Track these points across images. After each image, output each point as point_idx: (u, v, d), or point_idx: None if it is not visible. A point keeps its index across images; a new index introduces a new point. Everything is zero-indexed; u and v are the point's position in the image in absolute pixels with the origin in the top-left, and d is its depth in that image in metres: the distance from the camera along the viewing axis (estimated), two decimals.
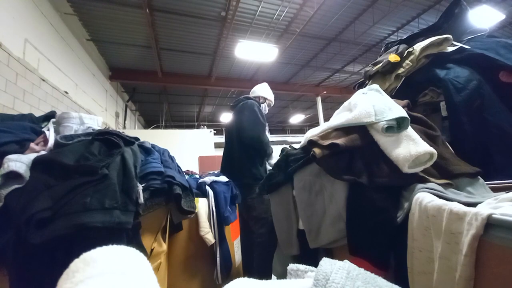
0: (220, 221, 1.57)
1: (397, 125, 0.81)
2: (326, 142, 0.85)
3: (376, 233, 0.70)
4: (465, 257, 0.44)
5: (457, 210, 0.48)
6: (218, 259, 1.52)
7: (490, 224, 0.43)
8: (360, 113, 0.85)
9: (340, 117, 0.94)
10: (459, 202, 0.55)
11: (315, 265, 0.30)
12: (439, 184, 0.69)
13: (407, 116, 0.81)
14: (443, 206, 0.52)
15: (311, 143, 0.91)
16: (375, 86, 1.00)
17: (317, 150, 0.85)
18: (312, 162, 0.91)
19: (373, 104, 0.86)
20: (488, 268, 0.43)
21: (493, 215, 0.43)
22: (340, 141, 0.83)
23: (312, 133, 0.97)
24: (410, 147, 0.74)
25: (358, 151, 0.83)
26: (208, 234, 1.49)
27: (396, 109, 0.83)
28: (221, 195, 1.62)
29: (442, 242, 0.49)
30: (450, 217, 0.49)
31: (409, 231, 0.61)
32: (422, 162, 0.74)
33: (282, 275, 1.33)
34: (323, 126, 0.97)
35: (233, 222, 1.72)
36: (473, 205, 0.54)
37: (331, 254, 0.91)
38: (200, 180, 1.71)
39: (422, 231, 0.56)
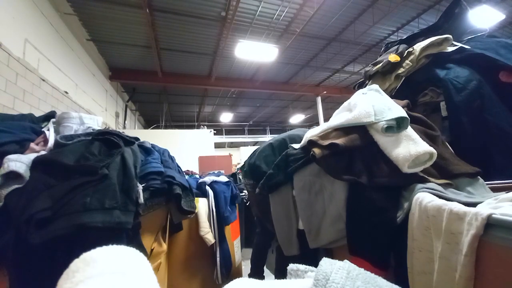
0: (220, 221, 1.57)
1: (397, 125, 0.81)
2: (326, 142, 0.85)
3: (376, 233, 0.70)
4: (465, 257, 0.44)
5: (457, 210, 0.48)
6: (218, 259, 1.52)
7: (490, 224, 0.43)
8: (359, 113, 0.85)
9: (340, 117, 0.94)
10: (459, 202, 0.55)
11: (315, 265, 0.30)
12: (439, 184, 0.69)
13: (407, 116, 0.81)
14: (443, 206, 0.52)
15: (311, 143, 0.91)
16: (375, 86, 1.00)
17: (317, 150, 0.85)
18: (312, 162, 0.91)
19: (372, 104, 0.86)
20: (488, 268, 0.43)
21: (493, 215, 0.43)
22: (339, 141, 0.83)
23: (312, 133, 0.97)
24: (410, 147, 0.73)
25: (358, 151, 0.83)
26: (208, 234, 1.49)
27: (395, 109, 0.83)
28: (221, 195, 1.62)
29: (442, 242, 0.49)
30: (450, 217, 0.49)
31: (409, 231, 0.61)
32: (422, 162, 0.74)
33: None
34: (323, 126, 0.97)
35: (233, 222, 1.72)
36: (473, 205, 0.54)
37: (331, 254, 0.91)
38: (200, 180, 1.71)
39: (422, 231, 0.56)
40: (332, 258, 0.31)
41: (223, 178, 1.78)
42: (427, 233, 0.54)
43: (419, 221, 0.57)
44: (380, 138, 0.81)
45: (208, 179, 1.71)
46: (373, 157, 0.80)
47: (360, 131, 0.85)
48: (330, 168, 0.83)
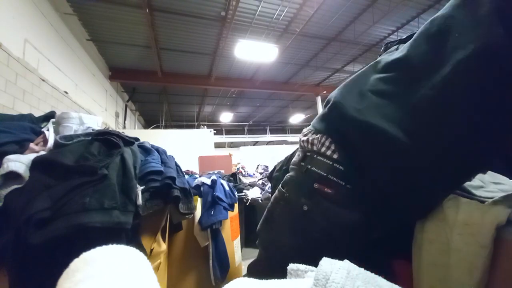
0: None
1: None
2: None
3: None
4: (481, 249, 0.44)
5: (474, 202, 0.49)
6: (211, 261, 1.47)
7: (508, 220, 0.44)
8: None
9: None
10: (474, 195, 0.55)
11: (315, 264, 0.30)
12: None
13: None
14: (458, 197, 0.52)
15: None
16: None
17: None
18: None
19: None
20: (503, 262, 0.44)
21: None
22: None
23: None
24: None
25: None
26: (198, 235, 1.47)
27: None
28: (204, 198, 1.60)
29: (457, 233, 0.49)
30: (466, 209, 0.49)
31: (417, 223, 0.60)
32: None
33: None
34: None
35: (226, 219, 1.68)
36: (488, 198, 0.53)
37: None
38: (195, 181, 1.69)
39: (436, 222, 0.55)
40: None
41: (207, 180, 1.73)
42: (441, 224, 0.53)
43: (432, 213, 0.57)
44: None
45: (199, 180, 1.69)
46: None
47: None
48: None
